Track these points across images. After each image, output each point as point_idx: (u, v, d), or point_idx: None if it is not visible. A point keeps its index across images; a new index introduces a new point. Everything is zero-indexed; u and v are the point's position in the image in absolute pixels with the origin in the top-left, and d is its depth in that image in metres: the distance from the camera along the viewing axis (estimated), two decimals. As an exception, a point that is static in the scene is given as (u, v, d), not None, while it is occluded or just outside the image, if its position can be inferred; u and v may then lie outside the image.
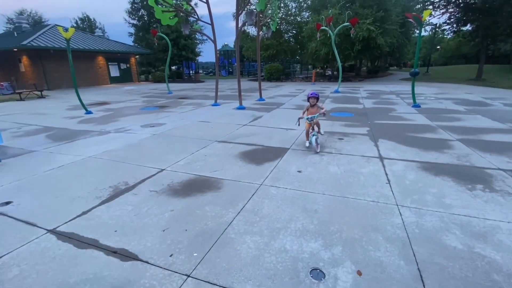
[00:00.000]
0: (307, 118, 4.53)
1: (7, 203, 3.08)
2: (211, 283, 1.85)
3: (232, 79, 26.98)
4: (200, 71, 39.47)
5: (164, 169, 3.92)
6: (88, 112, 9.11)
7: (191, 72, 33.83)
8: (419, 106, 9.08)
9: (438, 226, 2.45)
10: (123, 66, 25.37)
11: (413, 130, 6.04)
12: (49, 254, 2.19)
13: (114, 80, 24.31)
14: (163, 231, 2.46)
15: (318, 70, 31.10)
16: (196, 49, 31.12)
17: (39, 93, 14.88)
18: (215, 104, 10.30)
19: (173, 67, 31.29)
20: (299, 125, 4.68)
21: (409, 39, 27.19)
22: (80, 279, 1.92)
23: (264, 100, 11.44)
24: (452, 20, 21.62)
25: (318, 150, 4.52)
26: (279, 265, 2.02)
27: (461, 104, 9.52)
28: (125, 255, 2.14)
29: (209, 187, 3.35)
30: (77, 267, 2.04)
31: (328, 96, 12.79)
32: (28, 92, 14.44)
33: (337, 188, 3.24)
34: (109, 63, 23.80)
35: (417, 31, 9.93)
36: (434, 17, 22.77)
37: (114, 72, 24.47)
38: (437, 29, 29.12)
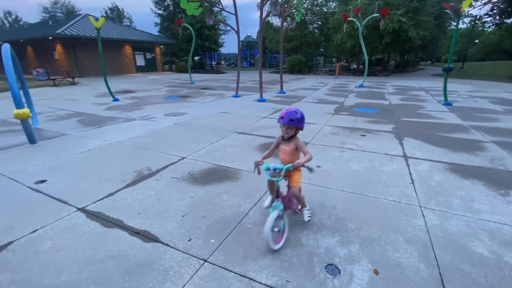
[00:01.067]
0: (267, 168, 2.08)
1: (42, 181, 3.32)
2: (227, 270, 1.90)
3: (253, 71, 26.88)
4: (222, 62, 39.63)
5: (185, 157, 4.03)
6: (115, 100, 9.51)
7: (213, 63, 34.07)
8: (451, 104, 8.55)
9: (464, 231, 2.34)
10: (148, 55, 26.07)
11: (443, 129, 5.71)
12: (79, 230, 2.36)
13: (140, 69, 25.08)
14: (183, 216, 2.55)
15: (342, 63, 30.09)
16: (219, 40, 31.22)
17: (71, 80, 15.72)
18: (236, 96, 10.34)
19: (196, 58, 31.66)
20: (258, 174, 2.18)
21: (444, 32, 25.44)
22: (106, 255, 2.05)
23: (285, 93, 11.30)
24: (495, 11, 19.90)
25: (276, 248, 2.07)
26: (294, 257, 2.03)
27: (498, 104, 8.83)
28: (147, 237, 2.26)
29: (228, 177, 3.40)
30: (104, 244, 2.18)
31: (352, 90, 12.38)
32: (61, 79, 15.31)
33: (357, 186, 3.16)
34: (135, 53, 24.56)
35: (454, 24, 9.25)
36: (474, 7, 21.00)
37: (140, 61, 25.23)
38: (476, 21, 26.97)
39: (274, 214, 2.05)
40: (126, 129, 5.71)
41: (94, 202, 2.80)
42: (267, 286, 1.78)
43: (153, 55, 26.61)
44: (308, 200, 2.84)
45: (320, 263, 1.97)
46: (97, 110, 7.84)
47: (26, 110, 4.39)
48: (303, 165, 2.08)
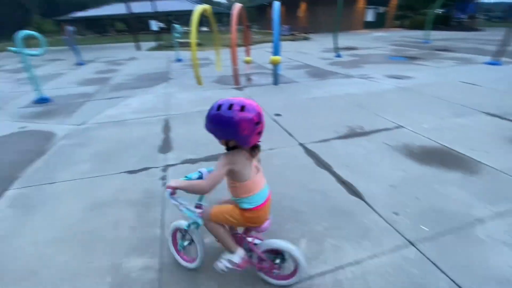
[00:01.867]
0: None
1: (278, 114, 4.25)
2: (441, 270, 1.58)
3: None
4: (479, 16, 28.85)
5: (403, 126, 3.57)
6: (338, 56, 9.88)
7: (463, 16, 25.65)
8: None
9: None
10: (380, 10, 24.00)
11: None
12: (298, 161, 2.85)
13: (367, 25, 23.96)
14: (391, 186, 2.36)
15: None
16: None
17: (304, 35, 18.04)
18: (494, 63, 7.37)
19: (438, 10, 25.11)
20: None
21: None
22: (314, 188, 2.35)
23: None
24: None
25: (184, 264, 1.64)
26: None
27: None
28: (352, 190, 2.32)
29: (459, 165, 2.66)
30: (314, 179, 2.50)
31: None
32: (297, 34, 17.94)
33: None
34: (367, 7, 23.38)
35: None
36: None
37: (370, 16, 23.91)
38: None
39: (178, 223, 1.57)
40: (345, 85, 5.86)
41: (311, 142, 3.23)
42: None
43: (386, 9, 24.16)
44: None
45: None
46: (321, 64, 8.57)
47: (279, 57, 5.57)
48: (172, 190, 1.28)
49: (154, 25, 17.82)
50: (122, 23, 39.65)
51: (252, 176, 1.26)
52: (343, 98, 4.89)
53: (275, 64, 5.71)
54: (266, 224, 1.37)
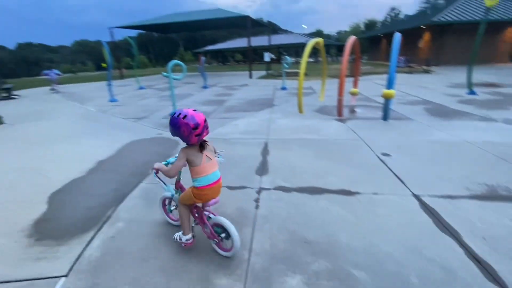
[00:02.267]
0: None
1: (387, 154, 3.74)
2: None
3: None
4: None
5: None
6: (471, 93, 8.15)
7: None
8: None
9: None
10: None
11: None
12: (411, 217, 2.35)
13: (517, 57, 19.06)
14: None
15: None
16: None
17: (425, 67, 15.89)
18: None
19: None
20: None
21: None
22: (432, 256, 1.85)
23: None
24: None
25: (168, 220, 2.38)
26: None
27: None
28: (490, 274, 1.70)
29: None
30: (431, 244, 1.98)
31: None
32: (416, 67, 15.99)
33: None
34: (520, 36, 18.70)
35: None
36: None
37: (523, 47, 18.97)
38: None
39: (165, 194, 2.28)
40: (482, 129, 4.68)
41: (430, 196, 2.64)
42: None
43: (551, 37, 18.67)
44: None
45: None
46: (447, 101, 7.24)
47: (393, 91, 5.04)
48: (156, 171, 1.87)
49: (267, 56, 19.81)
50: (240, 54, 46.16)
51: (202, 163, 1.74)
52: (479, 146, 3.88)
53: (388, 98, 5.18)
54: (211, 201, 1.89)
